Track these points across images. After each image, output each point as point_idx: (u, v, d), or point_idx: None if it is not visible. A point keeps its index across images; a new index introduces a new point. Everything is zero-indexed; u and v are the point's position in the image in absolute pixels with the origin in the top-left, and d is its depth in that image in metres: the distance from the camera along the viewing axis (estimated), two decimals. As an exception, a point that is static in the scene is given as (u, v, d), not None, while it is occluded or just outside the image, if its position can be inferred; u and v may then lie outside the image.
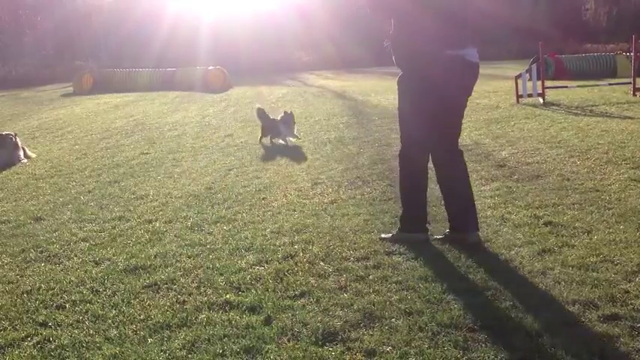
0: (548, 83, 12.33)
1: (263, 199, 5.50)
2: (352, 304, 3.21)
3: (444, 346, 2.77)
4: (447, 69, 3.86)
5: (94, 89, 20.24)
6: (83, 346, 2.92)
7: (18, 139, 8.25)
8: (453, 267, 3.67)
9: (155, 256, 4.09)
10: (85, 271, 3.89)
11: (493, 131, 8.56)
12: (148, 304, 3.35)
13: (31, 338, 3.03)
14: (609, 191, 5.16)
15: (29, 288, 3.65)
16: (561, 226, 4.34)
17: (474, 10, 4.10)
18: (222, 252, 4.12)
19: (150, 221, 4.95)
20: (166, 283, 3.63)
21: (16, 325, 3.18)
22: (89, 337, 3.00)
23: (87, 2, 33.95)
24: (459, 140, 4.20)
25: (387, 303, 3.21)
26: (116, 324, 3.14)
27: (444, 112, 3.98)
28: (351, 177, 6.17)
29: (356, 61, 29.76)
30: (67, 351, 2.89)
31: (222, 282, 3.60)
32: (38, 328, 3.13)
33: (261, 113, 8.78)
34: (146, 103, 15.61)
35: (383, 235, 4.24)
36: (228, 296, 3.39)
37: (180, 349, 2.85)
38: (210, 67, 20.61)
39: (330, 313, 3.14)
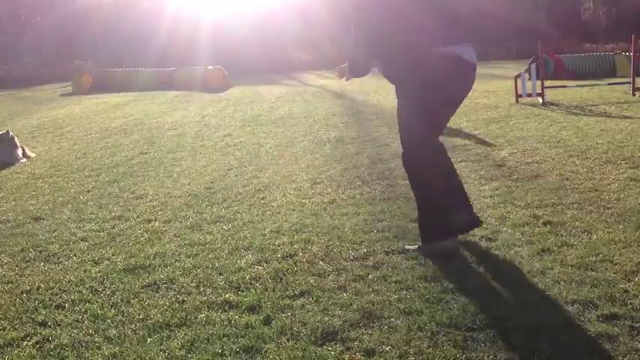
0: (547, 83, 12.32)
1: (262, 198, 5.50)
2: (351, 304, 3.21)
3: (443, 346, 2.77)
4: (441, 67, 3.63)
5: (94, 89, 20.21)
6: (82, 346, 2.92)
7: (16, 139, 8.22)
8: (453, 267, 3.67)
9: (154, 256, 4.09)
10: (85, 271, 3.89)
11: (492, 131, 8.56)
12: (147, 304, 3.35)
13: (31, 338, 3.02)
14: (608, 191, 5.16)
15: (28, 287, 3.65)
16: (560, 225, 4.34)
17: (464, 3, 3.97)
18: (222, 251, 4.12)
19: (149, 221, 4.95)
20: (165, 283, 3.63)
21: (16, 324, 3.18)
22: (88, 337, 3.00)
23: (86, 2, 33.90)
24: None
25: (387, 303, 3.21)
26: (115, 323, 3.13)
27: (445, 110, 3.87)
28: (351, 176, 6.17)
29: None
30: (67, 350, 2.89)
31: (221, 281, 3.60)
32: (37, 327, 3.13)
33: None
34: (145, 102, 15.60)
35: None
36: (227, 296, 3.39)
37: (180, 349, 2.85)
38: (210, 67, 20.59)
39: (330, 312, 3.14)
